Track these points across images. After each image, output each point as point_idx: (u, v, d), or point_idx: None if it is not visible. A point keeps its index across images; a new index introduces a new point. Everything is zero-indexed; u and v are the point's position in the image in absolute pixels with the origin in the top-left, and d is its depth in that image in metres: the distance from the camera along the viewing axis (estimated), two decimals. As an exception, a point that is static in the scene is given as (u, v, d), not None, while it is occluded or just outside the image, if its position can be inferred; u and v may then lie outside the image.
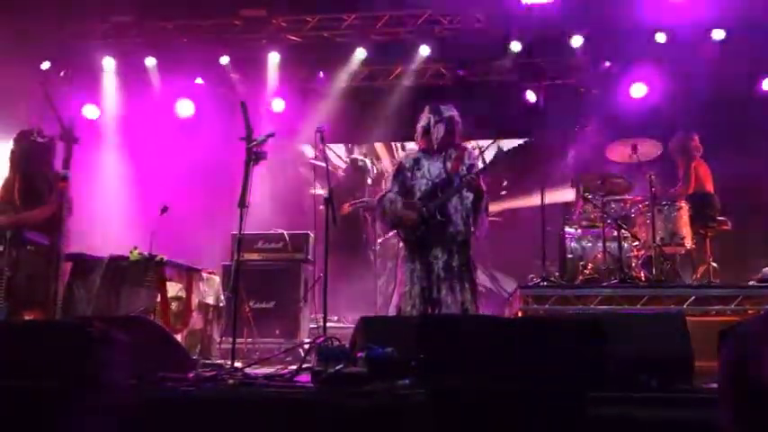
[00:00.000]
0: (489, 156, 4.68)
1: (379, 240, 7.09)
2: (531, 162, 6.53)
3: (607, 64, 7.80)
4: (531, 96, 7.95)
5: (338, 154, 8.93)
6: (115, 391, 2.94)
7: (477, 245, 4.69)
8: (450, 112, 4.69)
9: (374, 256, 7.15)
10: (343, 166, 8.90)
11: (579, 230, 6.37)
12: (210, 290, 5.85)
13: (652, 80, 7.70)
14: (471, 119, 5.18)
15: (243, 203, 4.26)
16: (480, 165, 4.66)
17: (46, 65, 7.98)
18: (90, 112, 8.23)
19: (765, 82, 7.49)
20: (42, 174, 4.92)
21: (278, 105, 8.37)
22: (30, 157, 4.94)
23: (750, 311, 5.18)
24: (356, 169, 8.59)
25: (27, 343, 3.12)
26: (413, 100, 7.79)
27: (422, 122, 4.75)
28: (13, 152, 4.99)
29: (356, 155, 8.87)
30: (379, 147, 9.08)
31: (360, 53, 8.05)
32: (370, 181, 8.43)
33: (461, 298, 4.47)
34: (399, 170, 4.78)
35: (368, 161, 8.65)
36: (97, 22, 7.98)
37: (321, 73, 8.41)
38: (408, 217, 4.59)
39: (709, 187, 6.43)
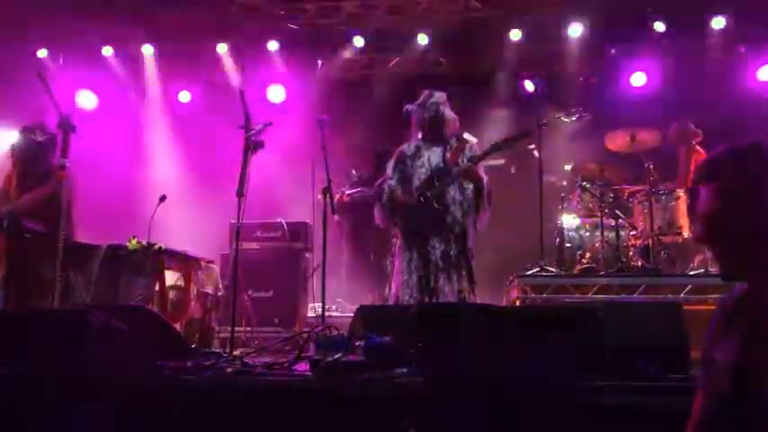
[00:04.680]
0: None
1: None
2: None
3: (612, 51, 7.76)
4: (529, 85, 7.93)
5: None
6: (114, 379, 2.95)
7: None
8: (437, 99, 4.68)
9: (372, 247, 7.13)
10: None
11: (577, 220, 6.38)
12: (209, 279, 5.85)
13: (651, 69, 7.68)
14: (468, 107, 5.16)
15: (241, 192, 4.26)
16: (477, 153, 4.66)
17: (43, 52, 7.95)
18: (88, 100, 8.21)
19: (761, 71, 7.47)
20: (41, 172, 4.91)
21: (277, 94, 8.35)
22: (28, 157, 4.93)
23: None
24: None
25: (26, 331, 3.13)
26: (410, 88, 7.76)
27: (413, 111, 4.75)
28: (13, 149, 4.99)
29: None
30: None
31: (358, 41, 8.02)
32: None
33: (459, 287, 4.48)
34: (400, 158, 4.78)
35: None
36: (95, 10, 7.93)
37: (320, 61, 8.37)
38: (407, 206, 4.59)
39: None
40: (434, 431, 2.72)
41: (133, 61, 8.26)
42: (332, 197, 4.58)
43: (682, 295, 5.13)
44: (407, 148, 4.80)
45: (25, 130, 4.96)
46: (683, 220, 5.78)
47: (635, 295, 5.22)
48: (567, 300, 5.27)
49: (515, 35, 7.67)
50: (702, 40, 7.61)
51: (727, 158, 1.64)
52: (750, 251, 1.58)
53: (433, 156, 4.66)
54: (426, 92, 4.74)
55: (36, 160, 4.94)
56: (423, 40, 7.91)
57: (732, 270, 1.65)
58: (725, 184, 1.59)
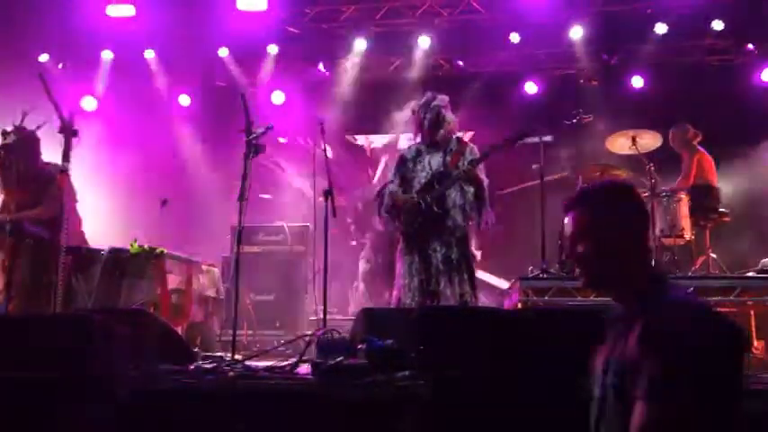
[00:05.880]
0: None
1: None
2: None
3: (605, 57, 7.77)
4: (530, 87, 7.94)
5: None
6: (116, 383, 2.95)
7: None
8: (439, 102, 4.68)
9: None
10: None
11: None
12: (210, 282, 5.86)
13: (651, 71, 7.68)
14: (470, 110, 5.15)
15: (242, 196, 4.26)
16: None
17: (44, 57, 7.96)
18: (89, 104, 8.21)
19: (765, 72, 7.45)
20: (36, 172, 4.91)
21: (277, 98, 8.35)
22: (14, 158, 4.92)
23: (749, 303, 5.19)
24: None
25: (28, 335, 3.13)
26: (412, 91, 7.77)
27: (413, 114, 4.76)
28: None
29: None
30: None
31: (359, 45, 8.02)
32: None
33: (460, 290, 4.47)
34: (401, 162, 4.78)
35: None
36: (96, 14, 7.94)
37: (321, 64, 8.37)
38: (407, 208, 4.59)
39: (713, 179, 6.39)
40: (436, 434, 2.72)
41: (134, 65, 8.26)
42: (333, 199, 4.58)
43: (683, 297, 5.10)
44: (408, 151, 4.81)
45: (4, 134, 4.95)
46: (685, 223, 5.76)
47: (637, 298, 5.20)
48: (570, 303, 5.26)
49: (515, 38, 7.66)
50: (703, 42, 7.61)
51: (584, 192, 1.97)
52: (600, 267, 1.88)
53: (434, 159, 4.66)
54: (429, 94, 4.75)
55: (19, 161, 4.92)
56: (424, 43, 7.90)
57: (589, 282, 1.95)
58: (580, 212, 1.89)
